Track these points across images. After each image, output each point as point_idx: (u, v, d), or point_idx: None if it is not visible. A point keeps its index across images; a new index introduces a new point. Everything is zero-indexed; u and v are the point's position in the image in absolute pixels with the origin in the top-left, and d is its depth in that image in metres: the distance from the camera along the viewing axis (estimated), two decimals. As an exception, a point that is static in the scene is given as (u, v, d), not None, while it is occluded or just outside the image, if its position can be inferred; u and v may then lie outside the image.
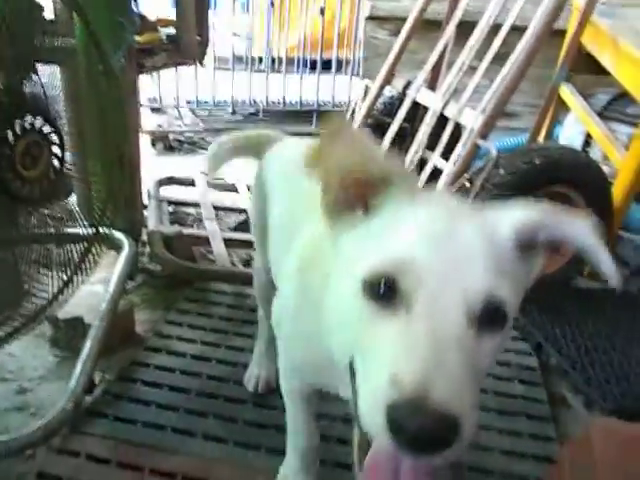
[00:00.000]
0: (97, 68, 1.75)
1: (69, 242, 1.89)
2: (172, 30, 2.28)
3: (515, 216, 0.77)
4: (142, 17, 2.27)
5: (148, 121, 4.06)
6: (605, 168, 2.55)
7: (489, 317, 0.68)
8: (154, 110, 4.32)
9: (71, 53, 1.77)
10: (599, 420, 1.00)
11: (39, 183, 1.37)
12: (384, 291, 0.68)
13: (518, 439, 1.54)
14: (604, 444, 0.95)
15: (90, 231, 1.84)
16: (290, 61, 4.68)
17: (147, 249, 2.32)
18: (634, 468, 0.90)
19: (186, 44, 2.23)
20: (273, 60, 4.72)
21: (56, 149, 1.40)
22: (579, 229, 0.78)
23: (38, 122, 1.34)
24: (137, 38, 2.04)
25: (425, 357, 0.61)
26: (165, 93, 4.23)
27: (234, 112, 4.40)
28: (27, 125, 1.31)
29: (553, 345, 1.88)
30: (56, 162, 1.41)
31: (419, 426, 0.58)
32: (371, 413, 0.63)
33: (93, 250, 1.84)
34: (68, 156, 1.58)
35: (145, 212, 2.57)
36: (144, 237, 2.36)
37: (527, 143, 2.21)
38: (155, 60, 2.07)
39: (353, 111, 3.16)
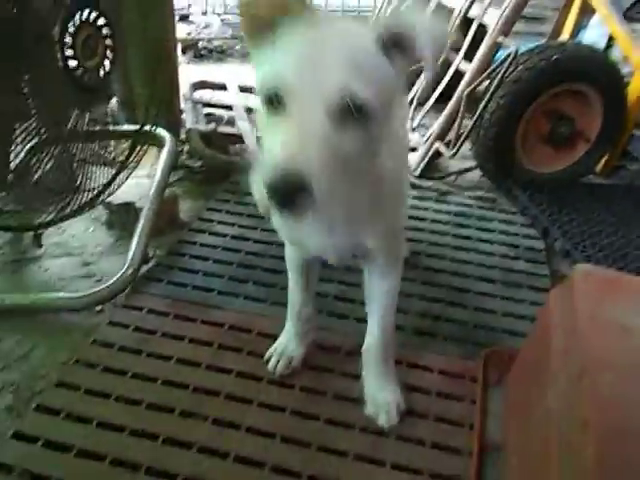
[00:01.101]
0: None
1: (117, 139, 2.09)
2: None
3: (377, 25, 0.89)
4: None
5: (177, 30, 4.15)
6: (625, 69, 2.62)
7: (347, 110, 0.83)
8: (182, 19, 4.38)
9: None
10: (582, 265, 1.18)
11: (97, 72, 1.54)
12: (274, 101, 0.86)
13: (518, 304, 1.74)
14: (583, 282, 1.14)
15: (136, 127, 2.03)
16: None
17: (186, 147, 2.51)
18: (606, 298, 1.09)
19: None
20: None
21: (109, 41, 1.56)
22: (422, 28, 0.87)
23: (93, 15, 1.49)
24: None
25: (288, 143, 0.81)
26: (193, 1, 4.28)
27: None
28: (84, 17, 1.46)
29: (559, 229, 2.05)
30: (109, 53, 1.57)
31: (276, 179, 0.79)
32: (263, 177, 0.81)
33: (139, 145, 2.04)
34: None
35: (182, 114, 2.74)
36: (182, 136, 2.54)
37: (548, 39, 2.27)
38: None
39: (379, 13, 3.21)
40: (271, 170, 0.79)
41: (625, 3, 2.83)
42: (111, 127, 2.10)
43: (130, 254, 1.77)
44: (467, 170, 2.56)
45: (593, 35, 2.95)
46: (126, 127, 2.18)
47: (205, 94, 3.05)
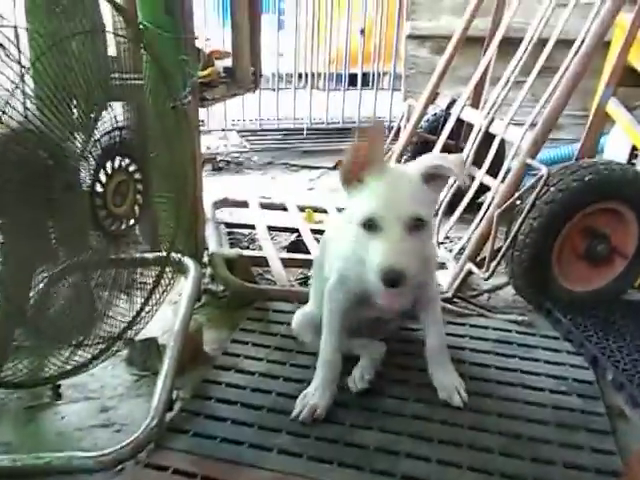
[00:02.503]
0: (166, 104, 1.88)
1: (142, 267, 2.02)
2: (227, 62, 2.40)
3: (419, 164, 1.48)
4: (199, 51, 2.41)
5: (196, 143, 4.23)
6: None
7: (415, 224, 1.41)
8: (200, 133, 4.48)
9: (138, 89, 1.90)
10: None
11: (126, 218, 1.49)
12: (369, 226, 1.42)
13: (579, 452, 1.58)
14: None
15: (162, 255, 1.97)
16: (330, 76, 4.80)
17: (208, 270, 2.44)
18: None
19: (242, 75, 2.35)
20: (313, 75, 4.83)
21: (140, 186, 1.52)
22: (449, 160, 1.51)
23: (125, 162, 1.46)
24: (199, 73, 2.16)
25: (389, 252, 1.38)
26: (211, 116, 4.39)
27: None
28: (116, 165, 1.43)
29: (609, 358, 1.92)
30: (140, 198, 1.53)
31: (390, 276, 1.36)
32: (373, 274, 1.40)
33: (165, 274, 1.97)
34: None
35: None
36: (204, 259, 2.48)
37: (576, 159, 2.24)
38: (215, 92, 2.19)
39: (397, 129, 3.25)
40: (386, 267, 1.37)
41: (644, 114, 2.83)
42: (140, 255, 2.04)
43: (154, 402, 1.64)
44: (500, 287, 2.46)
45: (615, 145, 2.94)
46: (153, 255, 2.11)
47: (225, 212, 3.03)
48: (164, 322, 2.06)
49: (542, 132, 2.23)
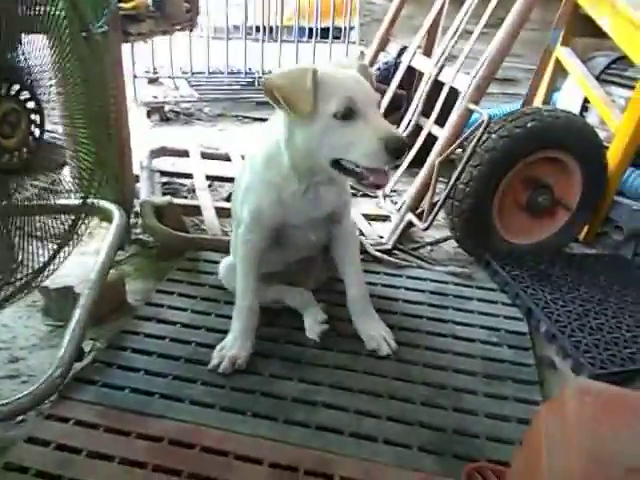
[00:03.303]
0: (80, 35, 1.73)
1: (57, 213, 1.89)
2: (159, -4, 2.24)
3: (348, 65, 1.53)
4: (129, -17, 2.23)
5: (144, 92, 4.03)
6: (602, 133, 2.52)
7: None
8: (150, 81, 4.28)
9: (54, 21, 1.74)
10: (575, 380, 1.00)
11: (18, 152, 1.36)
12: (345, 115, 1.38)
13: (503, 403, 1.54)
14: (578, 404, 0.95)
15: (78, 201, 1.85)
16: (287, 30, 4.62)
17: (140, 220, 2.32)
18: (604, 428, 0.90)
19: (173, 11, 2.20)
20: (270, 29, 4.64)
21: (35, 116, 1.39)
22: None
23: (14, 88, 1.32)
24: (122, 4, 2.00)
25: (393, 129, 1.39)
26: (161, 64, 4.19)
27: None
28: (3, 92, 1.29)
29: (543, 310, 1.88)
30: (36, 130, 1.40)
31: (398, 142, 1.35)
32: (373, 150, 1.36)
33: (81, 221, 1.85)
34: (50, 125, 1.57)
35: (138, 183, 2.57)
36: (137, 208, 2.36)
37: (521, 107, 2.16)
38: (141, 27, 2.04)
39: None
40: (392, 136, 1.36)
41: (598, 66, 2.76)
42: (53, 200, 1.91)
43: (60, 352, 1.54)
44: (442, 240, 2.40)
45: (567, 98, 2.87)
46: (68, 201, 1.98)
47: (168, 161, 2.90)
48: (84, 271, 1.94)
49: (484, 76, 2.14)
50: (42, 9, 1.71)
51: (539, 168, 2.13)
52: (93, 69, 1.75)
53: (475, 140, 2.00)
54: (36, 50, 1.58)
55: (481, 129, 2.00)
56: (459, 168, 2.03)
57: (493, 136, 2.02)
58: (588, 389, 0.99)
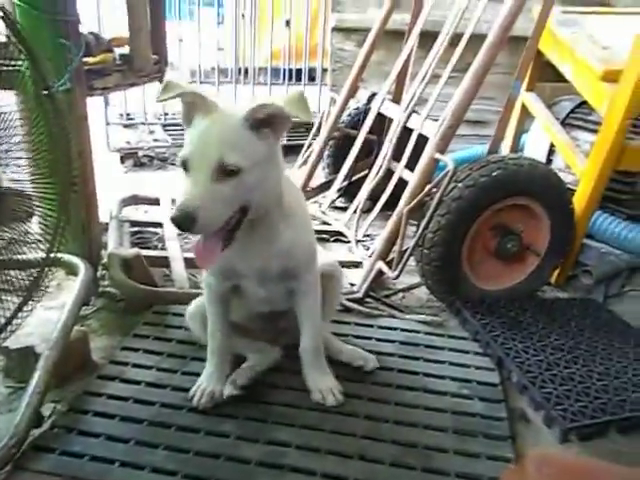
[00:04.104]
0: (41, 93, 1.72)
1: (20, 268, 1.85)
2: (125, 49, 2.25)
3: (244, 108, 1.34)
4: (97, 37, 2.24)
5: (118, 137, 4.02)
6: (569, 177, 2.56)
7: (224, 171, 1.30)
8: (126, 127, 4.28)
9: (21, 77, 1.74)
10: (536, 450, 0.98)
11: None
12: (185, 166, 1.33)
13: (474, 460, 1.51)
14: (538, 475, 0.93)
15: (41, 256, 1.81)
16: (260, 72, 4.68)
17: (108, 272, 2.28)
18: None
19: (140, 63, 2.20)
20: (246, 70, 4.68)
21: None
22: (278, 99, 1.37)
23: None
24: (87, 59, 2.00)
25: (186, 194, 1.29)
26: (135, 109, 4.20)
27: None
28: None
29: (514, 359, 1.86)
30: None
31: (177, 216, 1.27)
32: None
33: (45, 275, 1.81)
34: (16, 175, 1.55)
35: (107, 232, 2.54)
36: (104, 260, 2.32)
37: (486, 155, 2.19)
38: (107, 81, 2.04)
39: (319, 124, 3.15)
40: (175, 210, 1.28)
41: (563, 110, 2.82)
42: (21, 254, 1.87)
43: (17, 419, 1.49)
44: (414, 287, 2.39)
45: (535, 141, 2.92)
46: (30, 256, 1.94)
47: (140, 209, 2.87)
48: (49, 328, 1.89)
49: (450, 125, 2.16)
50: (12, 64, 1.72)
51: (507, 215, 2.15)
52: (56, 126, 1.74)
53: (442, 189, 2.01)
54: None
55: (447, 178, 2.01)
56: (427, 217, 2.04)
57: (459, 185, 2.03)
58: (546, 460, 0.97)
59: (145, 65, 2.22)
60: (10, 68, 1.71)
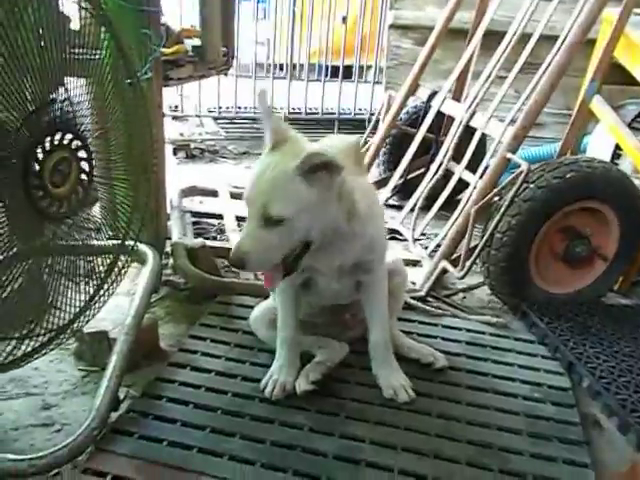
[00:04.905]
0: (124, 81, 1.74)
1: (95, 255, 1.88)
2: (197, 41, 2.27)
3: (299, 157, 1.35)
4: (167, 28, 2.27)
5: (169, 129, 4.07)
6: (636, 181, 2.50)
7: (269, 220, 1.37)
8: (175, 118, 4.33)
9: (98, 66, 1.76)
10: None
11: (67, 200, 1.35)
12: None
13: (551, 464, 1.49)
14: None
15: (116, 243, 1.84)
16: (311, 68, 4.67)
17: (171, 261, 2.31)
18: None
19: (211, 56, 2.22)
20: (294, 66, 4.69)
21: (84, 165, 1.39)
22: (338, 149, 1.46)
23: (67, 138, 1.32)
24: (163, 50, 2.03)
25: (241, 239, 1.41)
26: (186, 101, 4.24)
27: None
28: (56, 141, 1.29)
29: (586, 365, 1.83)
30: (84, 177, 1.39)
31: (231, 259, 1.40)
32: None
33: (119, 263, 1.84)
34: (95, 171, 1.57)
35: (168, 223, 2.56)
36: (168, 249, 2.35)
37: (557, 157, 2.15)
38: (180, 72, 2.06)
39: (376, 121, 3.14)
40: (231, 253, 1.41)
41: (628, 114, 2.76)
42: (90, 241, 1.90)
43: (97, 402, 1.51)
44: (475, 287, 2.37)
45: (598, 144, 2.86)
46: (106, 242, 1.97)
47: (195, 200, 2.90)
48: (118, 314, 1.92)
49: (523, 126, 2.13)
50: (88, 53, 1.74)
51: (576, 218, 2.11)
52: (136, 115, 1.76)
53: (514, 189, 1.99)
54: (83, 101, 1.60)
55: (520, 179, 1.98)
56: (497, 217, 2.01)
57: (531, 186, 2.00)
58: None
59: (216, 58, 2.24)
60: (89, 57, 1.73)
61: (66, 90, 1.44)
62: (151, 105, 1.91)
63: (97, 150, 1.60)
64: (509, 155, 2.13)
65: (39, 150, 1.26)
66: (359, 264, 1.61)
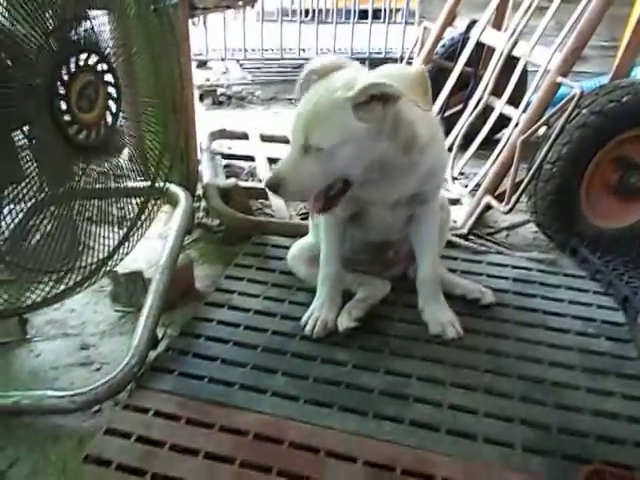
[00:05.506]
0: (148, 8, 1.65)
1: (126, 196, 1.83)
2: (223, -30, 2.15)
3: (354, 87, 1.27)
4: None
5: (195, 75, 3.96)
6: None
7: (309, 148, 1.32)
8: (200, 65, 4.21)
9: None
10: None
11: (96, 128, 1.28)
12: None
13: (610, 399, 1.41)
14: None
15: (146, 184, 1.78)
16: (339, 12, 4.49)
17: (203, 204, 2.25)
18: None
19: (238, -16, 2.10)
20: (321, 11, 4.51)
21: (112, 90, 1.31)
22: (401, 78, 1.28)
23: (92, 60, 1.24)
24: (187, -23, 1.92)
25: (280, 164, 1.38)
26: (212, 47, 4.12)
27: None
28: (81, 63, 1.22)
29: (642, 299, 1.73)
30: (112, 105, 1.32)
31: (267, 181, 1.38)
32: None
33: (150, 204, 1.78)
34: (123, 100, 1.50)
35: (199, 166, 2.50)
36: (199, 191, 2.28)
37: (611, 81, 2.00)
38: (207, 1, 1.95)
39: (410, 57, 2.99)
40: (270, 175, 1.39)
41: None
42: (120, 184, 1.84)
43: (135, 340, 1.48)
44: (520, 225, 2.26)
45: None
46: (136, 184, 1.92)
47: (224, 144, 2.82)
48: (152, 256, 1.87)
49: (574, 47, 1.98)
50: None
51: (631, 147, 1.98)
52: (163, 45, 1.67)
53: (565, 115, 1.85)
54: (107, 23, 1.51)
55: (572, 104, 1.85)
56: (546, 146, 1.89)
57: (584, 111, 1.87)
58: None
59: (242, -14, 2.11)
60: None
61: (88, 13, 1.36)
62: (178, 36, 1.81)
63: (124, 77, 1.53)
64: (560, 79, 1.99)
65: (64, 71, 1.18)
66: (417, 194, 1.53)
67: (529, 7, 2.46)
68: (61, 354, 1.61)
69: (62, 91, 1.18)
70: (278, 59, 4.17)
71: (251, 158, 2.60)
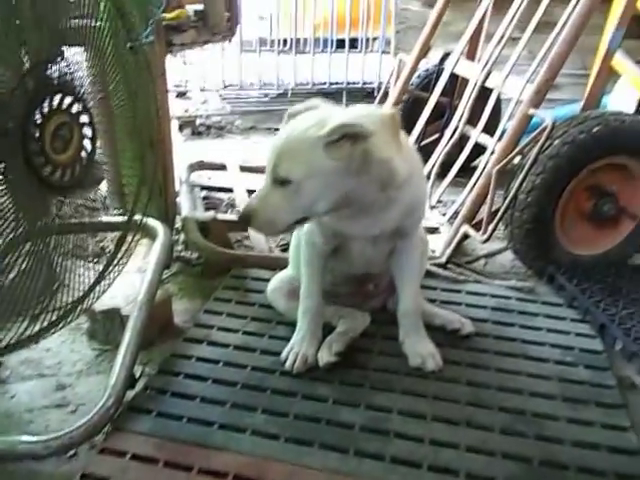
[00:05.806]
0: (124, 47, 1.66)
1: (103, 231, 1.82)
2: (199, 6, 2.17)
3: (326, 125, 1.31)
4: (167, -7, 2.17)
5: (174, 107, 3.98)
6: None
7: (277, 179, 1.35)
8: (179, 95, 4.24)
9: (96, 34, 1.68)
10: None
11: (71, 168, 1.28)
12: None
13: (590, 429, 1.42)
14: None
15: (124, 219, 1.77)
16: (316, 41, 4.55)
17: (181, 237, 2.24)
18: None
19: (214, 20, 2.13)
20: (298, 41, 4.56)
21: (87, 130, 1.31)
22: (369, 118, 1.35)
23: (67, 101, 1.24)
24: (164, 15, 1.93)
25: (253, 197, 1.42)
26: (190, 78, 4.15)
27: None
28: (55, 104, 1.21)
29: (619, 326, 1.75)
30: (87, 144, 1.32)
31: (240, 214, 1.42)
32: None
33: (128, 239, 1.77)
34: (98, 139, 1.50)
35: (177, 198, 2.49)
36: (178, 224, 2.27)
37: (582, 111, 2.05)
38: (184, 37, 1.97)
39: (386, 89, 3.03)
40: (243, 208, 1.42)
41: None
42: (97, 218, 1.83)
43: (112, 379, 1.45)
44: (497, 252, 2.29)
45: (620, 100, 2.75)
46: (113, 218, 1.90)
47: (203, 175, 2.82)
48: (130, 291, 1.85)
49: (546, 79, 2.03)
50: (85, 22, 1.65)
51: (603, 175, 2.02)
52: (139, 81, 1.68)
53: (538, 146, 1.89)
54: (82, 63, 1.52)
55: (544, 135, 1.88)
56: (521, 176, 1.92)
57: (556, 142, 1.91)
58: None
59: (219, 22, 2.15)
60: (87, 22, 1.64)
61: (63, 52, 1.36)
62: (155, 72, 1.82)
63: (99, 116, 1.53)
64: (532, 111, 2.03)
65: (37, 113, 1.18)
66: (398, 229, 1.54)
67: (502, 37, 2.52)
68: (36, 395, 1.58)
69: (36, 133, 1.17)
70: (257, 89, 4.20)
71: (230, 189, 2.60)
